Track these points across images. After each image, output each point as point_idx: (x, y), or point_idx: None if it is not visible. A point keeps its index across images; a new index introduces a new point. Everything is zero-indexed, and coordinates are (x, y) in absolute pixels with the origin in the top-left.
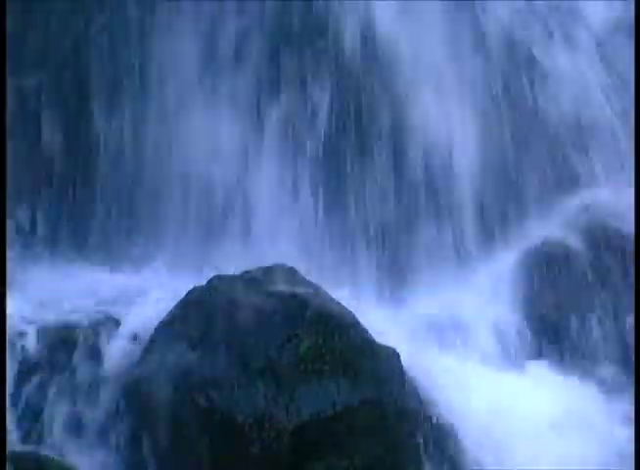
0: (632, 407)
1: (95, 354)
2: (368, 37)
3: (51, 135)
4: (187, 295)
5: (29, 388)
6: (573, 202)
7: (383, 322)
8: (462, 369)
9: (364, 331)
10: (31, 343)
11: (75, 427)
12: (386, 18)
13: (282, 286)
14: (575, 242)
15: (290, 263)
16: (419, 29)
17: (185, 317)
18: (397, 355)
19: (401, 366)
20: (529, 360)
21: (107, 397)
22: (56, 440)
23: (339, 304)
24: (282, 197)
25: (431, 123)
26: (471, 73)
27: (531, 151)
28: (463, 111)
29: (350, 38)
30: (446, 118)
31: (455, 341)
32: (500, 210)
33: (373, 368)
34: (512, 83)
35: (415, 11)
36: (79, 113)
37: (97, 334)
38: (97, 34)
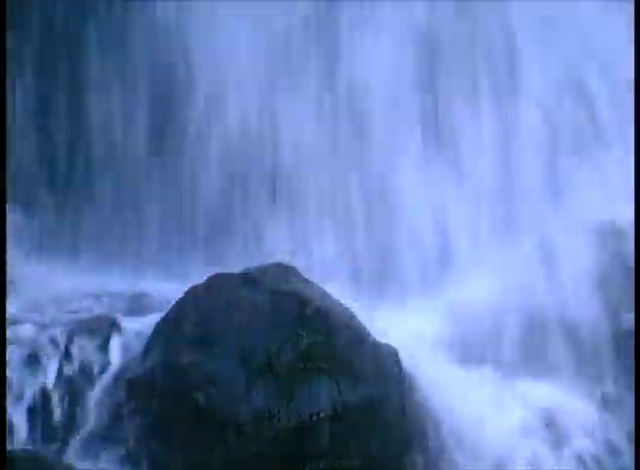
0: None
1: (94, 355)
2: None
3: (47, 134)
4: (186, 293)
5: (29, 388)
6: (571, 200)
7: (382, 320)
8: (461, 368)
9: (364, 330)
10: (31, 343)
11: (75, 427)
12: None
13: (281, 284)
14: (573, 241)
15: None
16: None
17: (184, 316)
18: (397, 354)
19: (401, 365)
20: (527, 359)
21: (106, 396)
22: (55, 439)
23: (338, 302)
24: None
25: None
26: None
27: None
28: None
29: None
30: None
31: (453, 340)
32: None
33: (373, 367)
34: None
35: None
36: (75, 110)
37: (96, 334)
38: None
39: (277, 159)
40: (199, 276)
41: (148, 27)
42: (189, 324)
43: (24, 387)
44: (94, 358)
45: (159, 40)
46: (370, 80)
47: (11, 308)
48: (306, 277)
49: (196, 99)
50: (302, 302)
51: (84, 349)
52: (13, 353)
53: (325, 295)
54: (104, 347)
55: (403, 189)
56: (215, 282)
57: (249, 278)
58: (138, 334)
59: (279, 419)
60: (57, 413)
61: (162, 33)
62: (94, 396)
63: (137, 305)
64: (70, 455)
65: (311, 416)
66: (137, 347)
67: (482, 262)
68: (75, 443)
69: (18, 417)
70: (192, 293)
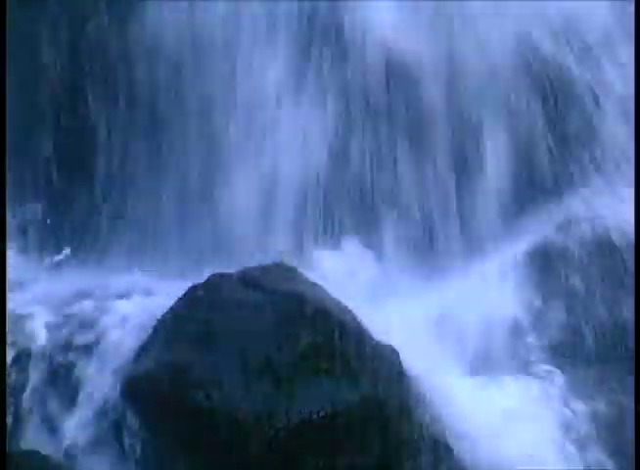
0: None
1: (94, 354)
2: None
3: (46, 133)
4: (186, 293)
5: (28, 388)
6: (573, 201)
7: (382, 320)
8: (461, 368)
9: (363, 329)
10: (30, 343)
11: (73, 427)
12: None
13: (281, 284)
14: (574, 241)
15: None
16: None
17: (184, 316)
18: (397, 354)
19: (401, 364)
20: (527, 361)
21: (105, 396)
22: (55, 439)
23: (338, 301)
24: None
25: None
26: None
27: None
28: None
29: None
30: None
31: (454, 340)
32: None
33: (372, 367)
34: None
35: None
36: (74, 110)
37: (95, 333)
38: None
39: None
40: (199, 276)
41: None
42: (188, 324)
43: (21, 387)
44: (92, 358)
45: None
46: None
47: (9, 308)
48: (307, 277)
49: None
50: (302, 302)
51: (83, 348)
52: (10, 353)
53: (325, 295)
54: (102, 346)
55: None
56: (215, 282)
57: (249, 278)
58: (138, 333)
59: (279, 419)
60: (54, 413)
61: None
62: (92, 395)
63: (136, 303)
64: (69, 455)
65: (311, 415)
66: (136, 346)
67: None
68: (74, 443)
69: (16, 417)
70: (192, 293)
